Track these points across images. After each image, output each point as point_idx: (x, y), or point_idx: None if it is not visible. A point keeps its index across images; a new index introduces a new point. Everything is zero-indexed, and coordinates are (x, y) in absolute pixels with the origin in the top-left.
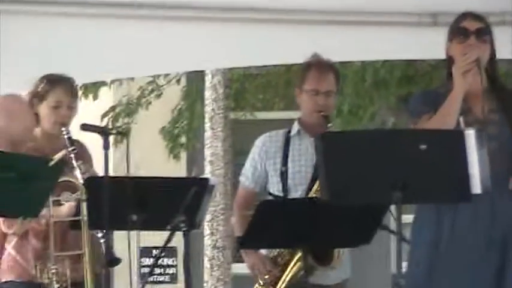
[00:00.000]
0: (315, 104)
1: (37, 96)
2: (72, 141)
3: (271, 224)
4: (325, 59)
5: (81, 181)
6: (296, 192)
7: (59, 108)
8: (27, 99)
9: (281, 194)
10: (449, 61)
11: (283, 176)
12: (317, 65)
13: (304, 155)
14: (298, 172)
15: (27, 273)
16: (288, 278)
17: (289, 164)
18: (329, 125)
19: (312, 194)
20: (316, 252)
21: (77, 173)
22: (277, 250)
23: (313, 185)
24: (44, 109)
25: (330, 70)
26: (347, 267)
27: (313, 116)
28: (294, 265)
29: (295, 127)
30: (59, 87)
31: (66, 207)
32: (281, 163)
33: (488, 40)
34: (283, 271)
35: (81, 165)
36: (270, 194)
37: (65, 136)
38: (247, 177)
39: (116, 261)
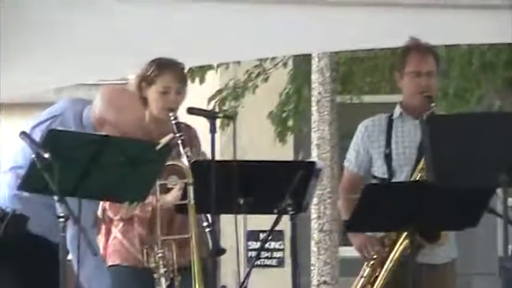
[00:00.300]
0: (417, 85)
1: (146, 81)
2: (179, 127)
3: (377, 207)
4: (423, 42)
5: (188, 165)
6: (401, 174)
7: (167, 94)
8: (135, 85)
9: (386, 177)
10: None
11: (388, 158)
12: (416, 48)
13: (407, 137)
14: (403, 153)
15: (134, 257)
16: (395, 257)
17: (393, 146)
18: (432, 105)
19: (416, 175)
20: (423, 230)
21: (184, 159)
22: None
23: (417, 166)
24: (152, 94)
25: (429, 52)
26: (454, 246)
27: (416, 97)
28: (401, 244)
29: (397, 110)
30: (167, 72)
31: (172, 194)
32: (384, 146)
33: None
34: (391, 251)
35: (188, 151)
36: (375, 177)
37: (173, 122)
38: (350, 161)
39: (221, 251)
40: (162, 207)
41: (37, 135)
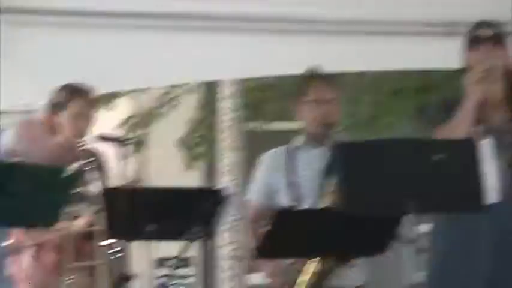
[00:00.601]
0: (318, 113)
1: (57, 106)
2: (88, 153)
3: (287, 233)
4: (322, 70)
5: (98, 192)
6: (307, 201)
7: (78, 119)
8: (46, 111)
9: (292, 205)
10: (466, 70)
11: (292, 187)
12: (317, 75)
13: (312, 164)
14: (308, 181)
15: (44, 283)
16: (304, 284)
17: (298, 174)
18: (336, 130)
19: (324, 202)
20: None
21: (94, 185)
22: None
23: (323, 193)
24: (63, 119)
25: (330, 79)
26: (362, 273)
27: (319, 125)
28: (311, 268)
29: (300, 139)
30: (78, 97)
31: (82, 220)
32: (289, 174)
33: (504, 47)
34: (300, 277)
35: (98, 178)
36: (282, 208)
37: (82, 148)
38: (255, 193)
39: (129, 278)
40: (72, 234)
41: None
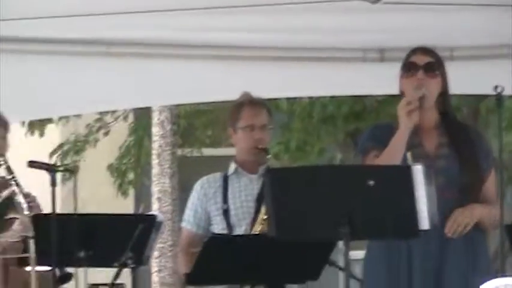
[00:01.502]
0: (251, 139)
1: None
2: (10, 170)
3: (218, 259)
4: (255, 96)
5: (27, 214)
6: (240, 228)
7: None
8: None
9: (226, 232)
10: (401, 96)
11: (226, 214)
12: (249, 102)
13: (244, 191)
14: (240, 207)
15: None
16: None
17: (230, 201)
18: (268, 157)
19: (257, 228)
20: (267, 283)
21: (23, 204)
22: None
23: (256, 219)
24: None
25: (261, 105)
26: None
27: (251, 151)
28: None
29: (232, 166)
30: None
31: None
32: (222, 202)
33: (439, 74)
34: None
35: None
36: (214, 234)
37: (3, 165)
38: (188, 221)
39: (67, 276)
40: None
41: None
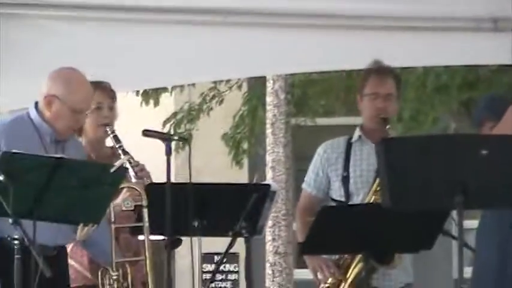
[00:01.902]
0: (375, 107)
1: None
2: (118, 139)
3: (332, 229)
4: (385, 65)
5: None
6: (358, 197)
7: (100, 110)
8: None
9: (343, 199)
10: None
11: (345, 181)
12: (377, 70)
13: (365, 160)
14: (360, 177)
15: (82, 276)
16: (350, 280)
17: (351, 169)
18: (387, 127)
19: (371, 197)
20: (377, 253)
21: (131, 173)
22: None
23: (373, 189)
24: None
25: (389, 74)
26: (409, 270)
27: (374, 120)
28: (355, 267)
29: (357, 133)
30: (98, 90)
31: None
32: (343, 168)
33: None
34: (345, 273)
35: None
36: (333, 199)
37: (111, 135)
38: (309, 183)
39: (177, 242)
40: (117, 229)
41: None
